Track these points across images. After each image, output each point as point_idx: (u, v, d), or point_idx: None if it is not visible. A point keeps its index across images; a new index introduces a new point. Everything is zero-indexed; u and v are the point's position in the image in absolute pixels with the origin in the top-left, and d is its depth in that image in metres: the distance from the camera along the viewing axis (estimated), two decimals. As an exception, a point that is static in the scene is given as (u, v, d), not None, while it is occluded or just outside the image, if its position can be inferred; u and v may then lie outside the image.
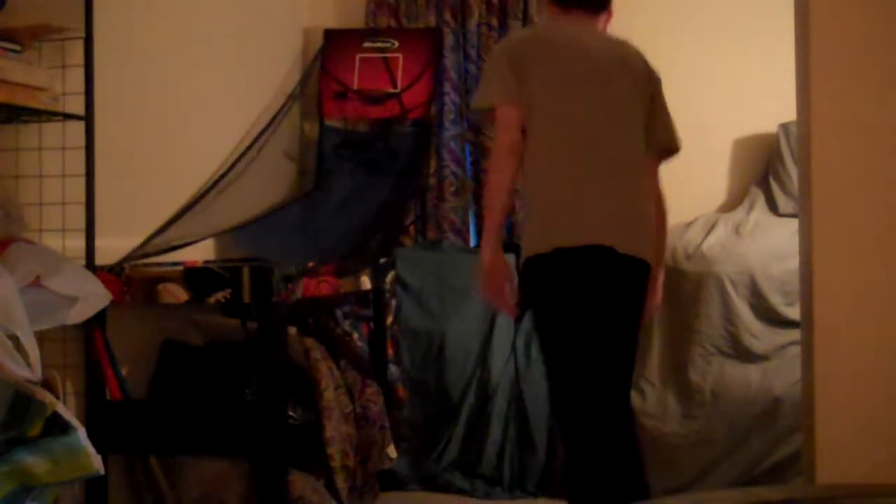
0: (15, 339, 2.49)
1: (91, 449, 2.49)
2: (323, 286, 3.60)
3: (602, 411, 2.70)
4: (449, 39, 4.78)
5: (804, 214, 2.67)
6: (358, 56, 4.60)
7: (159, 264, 3.48)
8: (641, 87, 2.91)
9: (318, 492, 3.51)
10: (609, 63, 2.86)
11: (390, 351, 4.27)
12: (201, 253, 3.78)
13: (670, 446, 3.96)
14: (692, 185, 4.69)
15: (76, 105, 3.09)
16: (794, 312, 3.76)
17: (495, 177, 2.74)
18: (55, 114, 2.99)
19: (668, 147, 2.97)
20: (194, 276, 3.29)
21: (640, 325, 2.83)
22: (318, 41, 4.69)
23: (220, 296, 3.25)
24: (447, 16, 4.82)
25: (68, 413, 2.50)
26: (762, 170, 4.62)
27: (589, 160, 2.75)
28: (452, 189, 4.67)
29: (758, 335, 4.02)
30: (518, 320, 4.11)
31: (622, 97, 2.84)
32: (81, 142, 3.14)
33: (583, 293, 2.68)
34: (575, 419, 2.72)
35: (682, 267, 4.17)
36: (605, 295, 2.69)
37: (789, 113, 2.94)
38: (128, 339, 3.44)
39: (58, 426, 2.46)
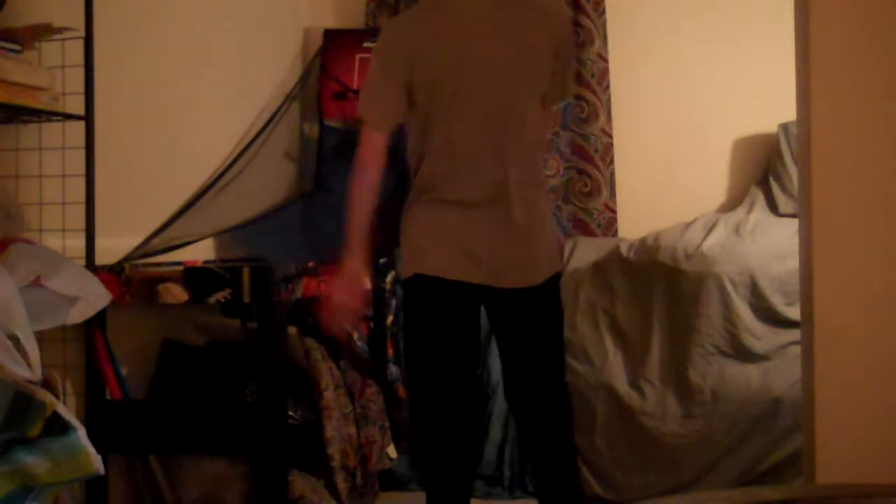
0: (15, 339, 2.49)
1: (91, 449, 2.49)
2: (323, 286, 3.60)
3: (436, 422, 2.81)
4: (449, 39, 4.77)
5: (804, 214, 2.67)
6: (358, 56, 4.59)
7: (159, 264, 3.48)
8: (536, 51, 2.67)
9: (318, 492, 3.51)
10: (497, 42, 2.63)
11: (390, 351, 4.27)
12: (201, 253, 3.78)
13: (670, 446, 3.96)
14: (692, 185, 4.70)
15: (76, 105, 3.09)
16: (794, 312, 3.76)
17: (352, 195, 2.78)
18: (55, 114, 2.98)
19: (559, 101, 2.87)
20: (194, 276, 3.29)
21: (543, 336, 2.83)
22: (318, 41, 4.69)
23: (220, 296, 3.25)
24: (447, 16, 4.81)
25: (68, 413, 2.50)
26: (762, 170, 4.62)
27: (465, 184, 2.68)
28: (452, 189, 4.66)
29: (758, 335, 4.02)
30: None
31: (509, 95, 2.66)
32: (81, 142, 3.14)
33: (430, 321, 2.75)
34: (417, 417, 2.91)
35: (682, 267, 4.17)
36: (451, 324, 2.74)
37: (789, 113, 2.94)
38: (128, 339, 3.44)
39: (58, 426, 2.45)
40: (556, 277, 2.88)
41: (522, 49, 2.66)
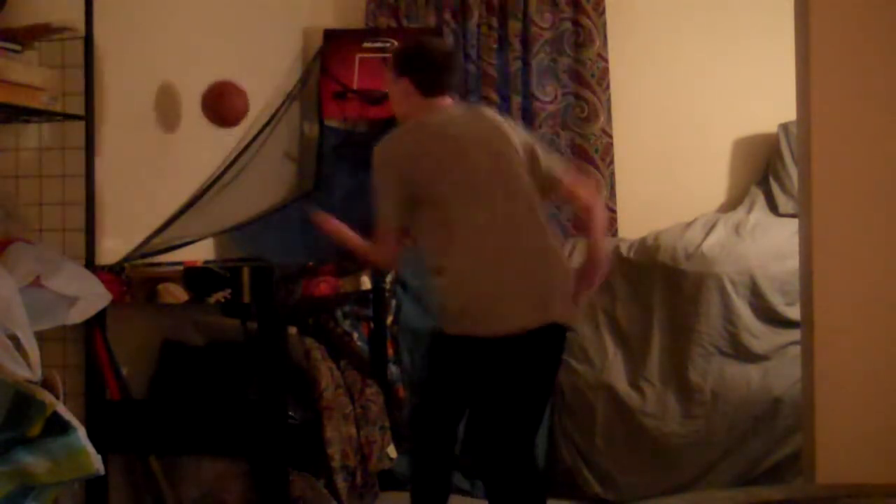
0: (15, 339, 2.49)
1: (91, 449, 2.49)
2: (323, 286, 3.60)
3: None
4: (449, 39, 4.78)
5: (804, 214, 2.67)
6: (358, 56, 4.59)
7: (159, 264, 3.48)
8: (508, 148, 3.05)
9: (318, 492, 3.51)
10: (473, 143, 3.04)
11: (390, 351, 4.27)
12: (201, 253, 3.78)
13: (670, 446, 3.96)
14: (692, 185, 4.70)
15: (76, 105, 3.09)
16: (794, 312, 3.76)
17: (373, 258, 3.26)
18: (55, 114, 2.99)
19: (553, 187, 3.12)
20: (194, 276, 3.29)
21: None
22: (318, 41, 4.69)
23: (220, 296, 3.25)
24: (447, 16, 4.82)
25: (68, 413, 2.50)
26: (762, 170, 4.63)
27: (472, 248, 2.97)
28: (452, 189, 4.66)
29: (758, 335, 4.02)
30: None
31: (491, 171, 3.01)
32: (81, 142, 3.14)
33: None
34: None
35: (682, 267, 4.17)
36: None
37: (789, 113, 2.94)
38: (128, 339, 3.44)
39: (58, 426, 2.45)
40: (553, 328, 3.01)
41: (497, 147, 3.04)
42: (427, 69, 3.11)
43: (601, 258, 3.11)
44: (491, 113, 3.23)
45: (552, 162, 3.13)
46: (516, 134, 3.10)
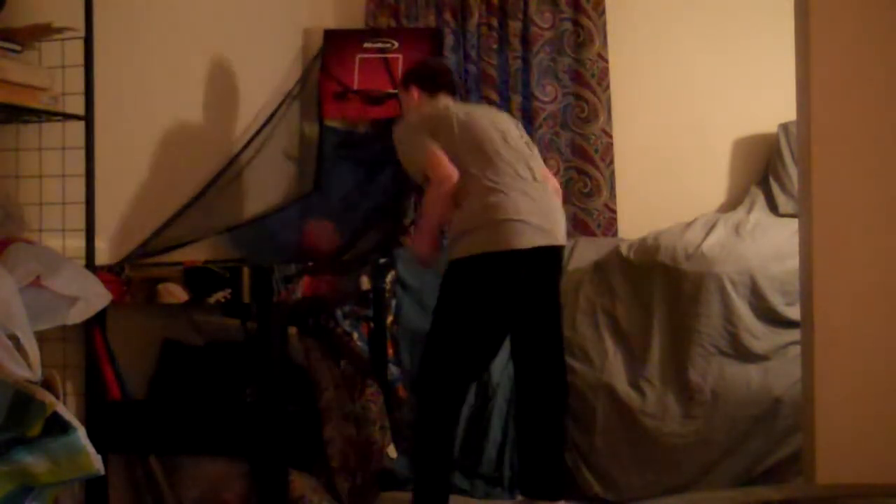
0: (15, 339, 2.49)
1: (91, 449, 2.49)
2: (323, 286, 3.60)
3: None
4: (449, 39, 4.78)
5: (804, 214, 2.67)
6: (358, 56, 4.60)
7: (159, 264, 3.48)
8: (509, 121, 3.74)
9: (318, 492, 3.51)
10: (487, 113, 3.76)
11: (390, 351, 4.27)
12: (201, 253, 3.78)
13: (670, 446, 3.96)
14: (692, 185, 4.70)
15: (76, 105, 3.09)
16: (794, 312, 3.76)
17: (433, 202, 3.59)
18: (55, 114, 2.98)
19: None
20: (194, 276, 3.29)
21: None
22: (318, 41, 4.69)
23: (220, 296, 3.25)
24: (447, 16, 4.82)
25: (68, 413, 2.50)
26: (762, 170, 4.63)
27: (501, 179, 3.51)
28: (452, 189, 4.66)
29: (758, 335, 4.02)
30: None
31: (506, 127, 3.66)
32: (81, 142, 3.14)
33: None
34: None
35: (682, 267, 4.17)
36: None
37: (789, 113, 2.94)
38: (128, 339, 3.44)
39: (58, 426, 2.45)
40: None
41: (503, 123, 3.70)
42: (427, 73, 3.84)
43: None
44: (491, 107, 3.94)
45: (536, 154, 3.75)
46: (516, 121, 3.79)
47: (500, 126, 3.62)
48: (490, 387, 4.21)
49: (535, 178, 3.57)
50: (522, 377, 3.68)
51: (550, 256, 3.54)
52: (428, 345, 3.59)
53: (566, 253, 4.55)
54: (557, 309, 3.65)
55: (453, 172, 3.48)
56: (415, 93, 3.79)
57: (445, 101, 3.75)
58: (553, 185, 3.74)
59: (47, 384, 2.59)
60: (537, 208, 3.49)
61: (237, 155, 4.13)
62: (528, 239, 3.44)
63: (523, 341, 3.62)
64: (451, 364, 3.52)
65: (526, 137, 3.73)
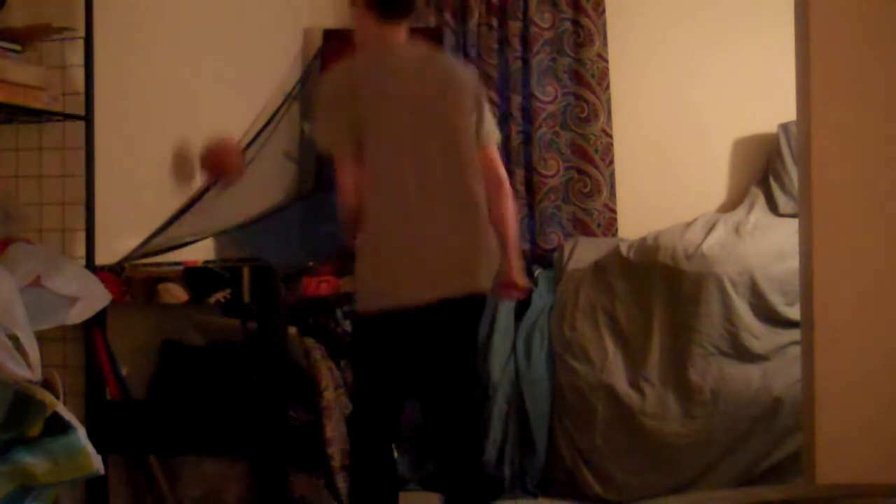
0: (15, 339, 2.49)
1: (91, 449, 2.49)
2: (323, 286, 3.60)
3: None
4: (449, 39, 4.78)
5: (804, 214, 2.67)
6: (358, 56, 4.59)
7: (159, 264, 3.48)
8: (455, 94, 3.09)
9: (318, 492, 3.51)
10: (417, 86, 3.06)
11: (390, 351, 4.26)
12: (201, 253, 3.78)
13: (670, 446, 3.96)
14: (692, 185, 4.70)
15: (76, 105, 3.09)
16: (794, 312, 3.75)
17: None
18: (55, 114, 2.99)
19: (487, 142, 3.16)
20: (194, 276, 3.29)
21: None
22: (318, 41, 4.69)
23: (220, 296, 3.25)
24: (447, 16, 4.82)
25: (68, 413, 2.50)
26: (762, 170, 4.63)
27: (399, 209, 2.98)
28: (452, 189, 4.66)
29: (758, 335, 4.02)
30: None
31: (427, 118, 3.03)
32: (81, 142, 3.14)
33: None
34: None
35: (682, 267, 4.17)
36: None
37: (789, 113, 2.94)
38: (128, 339, 3.44)
39: (58, 426, 2.46)
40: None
41: (440, 93, 3.06)
42: None
43: (508, 231, 3.13)
44: (446, 59, 3.32)
45: (489, 126, 3.17)
46: (470, 84, 3.15)
47: (438, 111, 3.03)
48: (490, 387, 4.22)
49: (440, 192, 2.98)
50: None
51: (442, 311, 2.94)
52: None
53: (566, 253, 4.56)
54: (457, 376, 3.09)
55: (350, 203, 3.03)
56: (364, 13, 3.09)
57: (390, 43, 3.08)
58: (495, 176, 3.14)
59: (47, 384, 2.59)
60: (428, 247, 2.95)
61: (237, 155, 4.12)
62: (405, 295, 2.93)
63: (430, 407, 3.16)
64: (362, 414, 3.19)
65: (476, 111, 3.11)
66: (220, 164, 3.62)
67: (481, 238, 3.02)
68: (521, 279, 3.15)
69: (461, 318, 3.02)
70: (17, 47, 2.87)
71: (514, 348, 4.26)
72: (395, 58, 3.07)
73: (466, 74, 3.21)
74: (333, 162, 3.06)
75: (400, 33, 3.11)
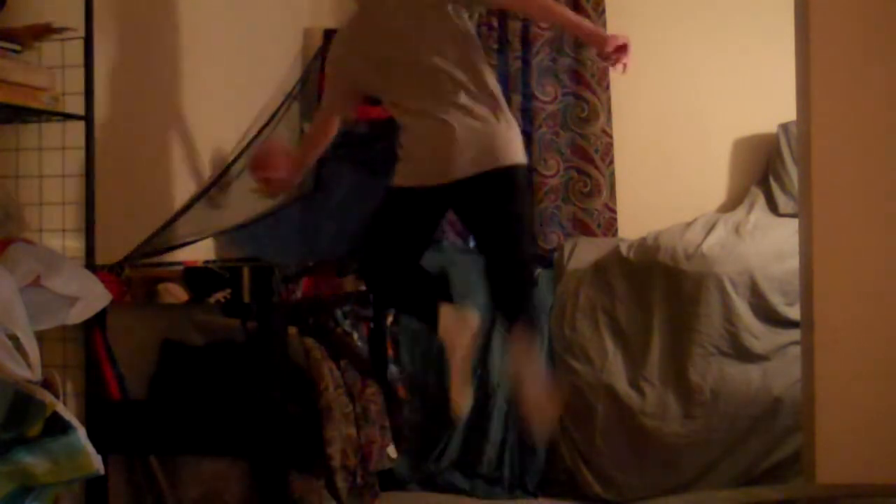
0: (15, 339, 2.49)
1: (91, 449, 2.49)
2: (323, 286, 3.60)
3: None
4: (449, 39, 4.77)
5: (804, 214, 2.67)
6: (358, 56, 4.59)
7: (159, 264, 3.48)
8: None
9: (318, 492, 3.51)
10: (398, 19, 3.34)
11: (390, 351, 4.27)
12: (201, 253, 3.78)
13: (670, 446, 3.96)
14: (692, 185, 4.70)
15: (76, 105, 3.09)
16: (794, 312, 3.75)
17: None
18: (55, 114, 2.98)
19: None
20: (194, 276, 3.29)
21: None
22: (318, 41, 4.69)
23: (220, 296, 3.25)
24: (447, 16, 4.81)
25: (68, 413, 2.50)
26: (762, 170, 4.63)
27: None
28: (452, 189, 4.66)
29: (758, 335, 4.02)
30: None
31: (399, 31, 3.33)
32: (81, 142, 3.14)
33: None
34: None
35: (682, 267, 4.17)
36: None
37: (789, 113, 2.94)
38: (128, 339, 3.44)
39: (58, 426, 2.45)
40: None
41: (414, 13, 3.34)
42: None
43: (552, 16, 3.48)
44: None
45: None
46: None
47: (394, 33, 3.32)
48: (490, 387, 4.22)
49: (425, 105, 3.32)
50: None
51: (459, 189, 3.31)
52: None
53: (566, 253, 4.56)
54: (501, 230, 3.37)
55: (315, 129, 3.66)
56: None
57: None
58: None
59: (47, 384, 2.59)
60: (421, 145, 3.34)
61: (238, 155, 4.12)
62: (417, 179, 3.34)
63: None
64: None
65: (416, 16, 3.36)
66: (268, 169, 3.74)
67: (453, 129, 3.29)
68: (607, 40, 3.19)
69: (477, 193, 3.30)
70: (17, 47, 2.86)
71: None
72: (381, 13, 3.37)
73: None
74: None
75: None
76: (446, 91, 3.30)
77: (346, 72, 3.51)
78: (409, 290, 3.45)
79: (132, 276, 3.30)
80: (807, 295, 2.65)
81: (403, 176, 3.37)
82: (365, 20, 3.42)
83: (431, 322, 3.36)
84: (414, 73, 3.33)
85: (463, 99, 3.29)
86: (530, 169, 4.74)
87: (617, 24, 4.75)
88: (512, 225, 3.34)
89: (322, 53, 4.63)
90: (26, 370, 2.47)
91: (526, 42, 4.76)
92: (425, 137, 3.32)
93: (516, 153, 3.32)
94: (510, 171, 3.29)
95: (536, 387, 3.19)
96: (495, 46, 4.79)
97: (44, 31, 2.94)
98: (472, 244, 4.49)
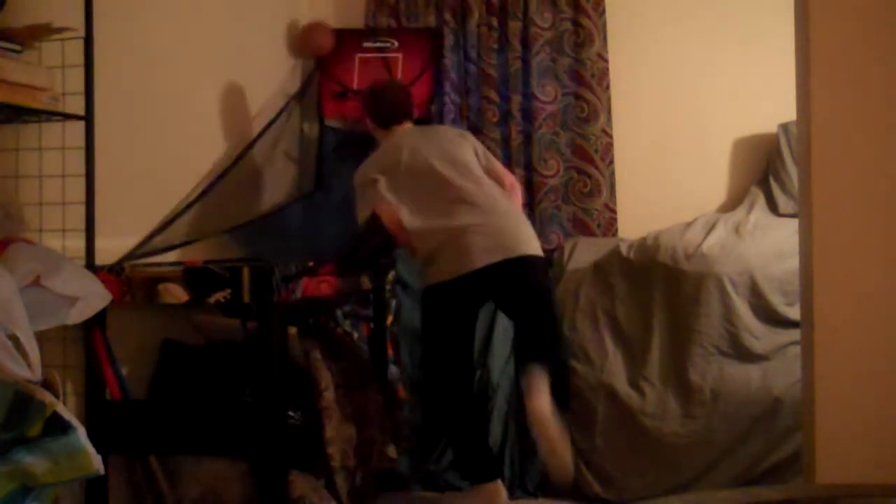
0: (15, 339, 2.49)
1: (91, 449, 2.49)
2: (323, 286, 3.60)
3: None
4: (449, 39, 4.78)
5: (804, 214, 2.67)
6: (358, 56, 4.60)
7: (159, 264, 3.48)
8: (459, 144, 3.95)
9: (318, 492, 3.51)
10: (426, 143, 3.92)
11: (390, 351, 4.27)
12: (201, 253, 3.78)
13: (670, 446, 3.96)
14: (692, 185, 4.70)
15: (76, 105, 3.09)
16: (794, 312, 3.75)
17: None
18: (55, 114, 2.99)
19: (489, 173, 3.94)
20: (194, 276, 3.29)
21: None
22: (318, 41, 4.69)
23: (220, 296, 3.25)
24: (447, 16, 4.82)
25: (68, 413, 2.50)
26: (762, 170, 4.62)
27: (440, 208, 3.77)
28: (452, 189, 4.66)
29: (758, 335, 4.02)
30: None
31: (452, 152, 3.88)
32: (81, 142, 3.14)
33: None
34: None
35: (682, 267, 4.17)
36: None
37: (789, 113, 2.94)
38: (128, 339, 3.44)
39: (58, 426, 2.46)
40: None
41: (447, 145, 3.93)
42: (377, 108, 4.02)
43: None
44: (446, 127, 4.31)
45: (490, 160, 4.00)
46: (467, 139, 4.02)
47: (447, 155, 3.85)
48: (490, 387, 4.22)
49: (480, 202, 3.77)
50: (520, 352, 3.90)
51: (514, 267, 3.71)
52: (422, 359, 3.98)
53: (566, 253, 4.57)
54: (540, 307, 3.82)
55: (393, 212, 3.76)
56: (368, 122, 4.05)
57: (399, 134, 3.96)
58: (509, 182, 3.95)
59: (47, 384, 2.59)
60: (485, 230, 3.70)
61: (239, 156, 4.13)
62: (479, 259, 3.67)
63: (519, 338, 3.91)
64: (442, 366, 3.83)
65: (475, 150, 3.95)
66: (313, 42, 4.53)
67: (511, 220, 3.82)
68: None
69: (528, 269, 3.77)
70: (17, 47, 2.87)
71: (513, 348, 4.26)
72: (404, 138, 3.93)
73: (462, 133, 4.12)
74: (380, 213, 3.77)
75: (405, 127, 4.01)
76: None
77: None
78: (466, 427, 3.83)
79: (132, 276, 3.30)
80: (807, 295, 2.65)
81: (465, 260, 3.76)
82: None
83: (464, 473, 3.90)
84: None
85: None
86: (530, 169, 4.75)
87: (617, 23, 4.76)
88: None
89: (322, 53, 4.64)
90: (26, 370, 2.47)
91: (526, 42, 4.76)
92: (487, 222, 3.80)
93: None
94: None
95: (554, 429, 3.52)
96: (495, 46, 4.79)
97: (44, 31, 2.94)
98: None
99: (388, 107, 4.03)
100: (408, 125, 4.02)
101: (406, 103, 4.08)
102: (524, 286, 3.77)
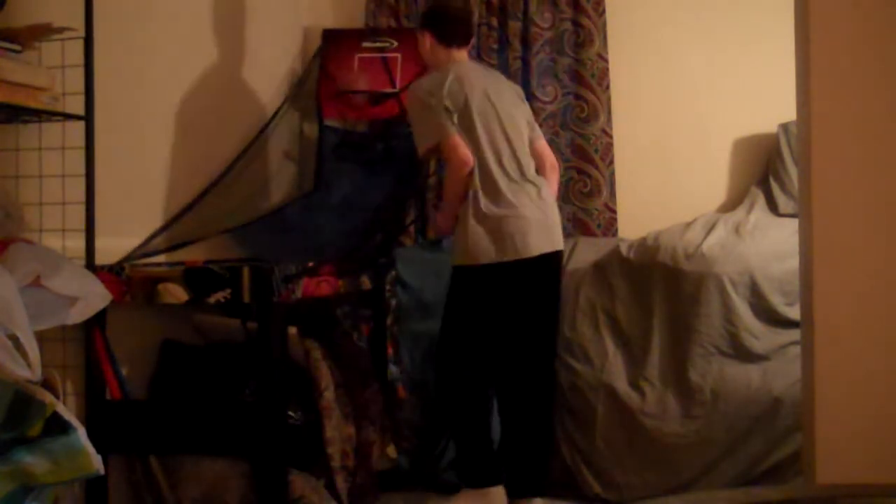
0: (15, 339, 2.49)
1: (91, 449, 2.49)
2: (323, 286, 3.60)
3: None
4: (449, 39, 4.77)
5: (804, 214, 2.67)
6: (357, 56, 4.59)
7: (159, 264, 3.48)
8: (518, 107, 3.82)
9: (318, 492, 3.51)
10: (496, 93, 3.74)
11: (390, 351, 4.27)
12: (201, 253, 3.78)
13: (670, 446, 3.96)
14: (692, 185, 4.70)
15: (76, 105, 3.09)
16: (794, 312, 3.75)
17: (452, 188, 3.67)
18: (55, 114, 2.99)
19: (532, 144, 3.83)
20: (194, 276, 3.29)
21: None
22: (317, 41, 4.69)
23: (220, 296, 3.25)
24: (447, 16, 4.81)
25: (68, 413, 2.50)
26: (762, 170, 4.63)
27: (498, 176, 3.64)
28: (452, 189, 4.66)
29: (758, 335, 4.02)
30: None
31: (511, 115, 3.74)
32: (81, 142, 3.14)
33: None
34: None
35: (682, 267, 4.16)
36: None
37: (789, 113, 2.94)
38: (128, 339, 3.44)
39: (58, 426, 2.46)
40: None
41: (512, 103, 3.81)
42: (444, 21, 3.76)
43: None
44: (506, 80, 4.00)
45: (538, 134, 3.88)
46: (524, 107, 3.87)
47: (512, 119, 3.69)
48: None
49: (531, 177, 3.69)
50: (512, 376, 3.77)
51: (553, 261, 3.69)
52: (439, 346, 3.80)
53: (566, 253, 4.57)
54: (555, 313, 3.83)
55: (469, 159, 3.58)
56: (428, 39, 3.78)
57: (463, 64, 3.74)
58: (550, 163, 3.84)
59: (47, 384, 2.59)
60: (538, 216, 3.62)
61: (239, 156, 4.13)
62: (533, 247, 3.60)
63: (518, 343, 3.75)
64: (462, 362, 3.74)
65: (526, 115, 3.81)
66: None
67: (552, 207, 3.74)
68: None
69: (559, 265, 3.74)
70: (17, 47, 2.87)
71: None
72: (473, 73, 3.72)
73: (518, 91, 3.95)
74: (448, 149, 3.58)
75: (463, 55, 3.81)
76: None
77: None
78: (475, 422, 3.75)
79: (132, 276, 3.30)
80: (807, 295, 2.65)
81: (516, 245, 3.65)
82: None
83: (465, 474, 3.77)
84: None
85: None
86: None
87: (617, 23, 4.76)
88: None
89: (322, 53, 4.64)
90: (26, 370, 2.47)
91: (526, 42, 4.76)
92: (536, 202, 3.75)
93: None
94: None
95: None
96: (495, 46, 4.79)
97: (44, 31, 2.94)
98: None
99: (455, 21, 3.79)
100: (465, 54, 3.83)
101: (472, 23, 3.93)
102: (553, 283, 3.72)
